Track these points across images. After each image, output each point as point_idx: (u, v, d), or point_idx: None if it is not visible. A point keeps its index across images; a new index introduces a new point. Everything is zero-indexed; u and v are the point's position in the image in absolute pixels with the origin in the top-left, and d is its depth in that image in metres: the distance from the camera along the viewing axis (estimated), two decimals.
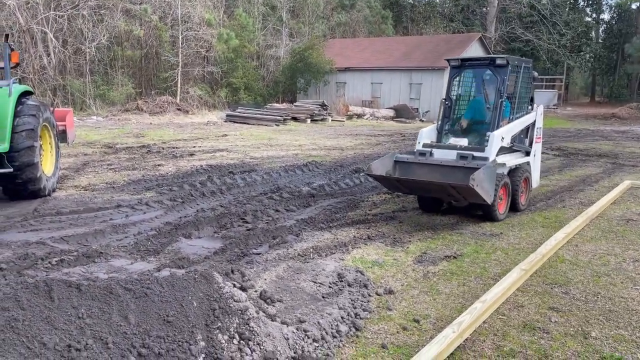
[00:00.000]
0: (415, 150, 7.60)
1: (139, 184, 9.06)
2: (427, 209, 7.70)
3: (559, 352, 3.68)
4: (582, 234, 6.66)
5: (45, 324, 2.86)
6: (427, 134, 7.78)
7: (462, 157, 6.97)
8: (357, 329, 3.97)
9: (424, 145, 7.57)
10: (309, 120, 25.05)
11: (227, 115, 24.87)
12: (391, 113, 29.50)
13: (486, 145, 7.01)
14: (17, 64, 8.09)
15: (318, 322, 3.92)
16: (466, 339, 3.81)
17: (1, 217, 6.52)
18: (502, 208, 7.24)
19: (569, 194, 9.25)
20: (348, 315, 4.17)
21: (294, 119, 24.82)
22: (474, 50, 31.90)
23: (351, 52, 35.55)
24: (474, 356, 3.62)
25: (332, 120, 26.59)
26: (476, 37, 33.46)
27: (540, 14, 44.14)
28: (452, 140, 7.54)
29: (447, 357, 3.55)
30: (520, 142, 7.90)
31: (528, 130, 8.09)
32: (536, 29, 44.89)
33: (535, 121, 8.12)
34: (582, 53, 54.32)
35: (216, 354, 3.21)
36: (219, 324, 3.38)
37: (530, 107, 8.11)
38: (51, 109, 8.66)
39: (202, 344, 3.22)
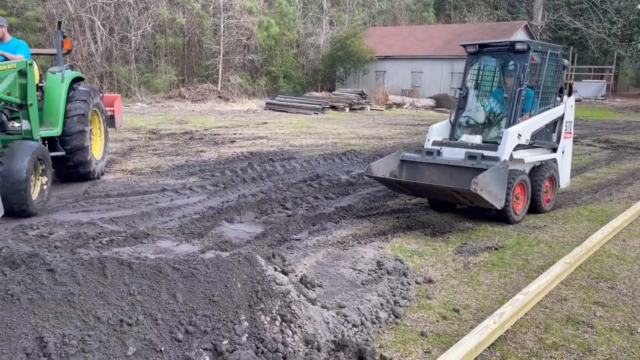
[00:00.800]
0: (422, 149, 7.03)
1: (182, 169, 9.30)
2: (437, 209, 7.11)
3: (604, 347, 3.61)
4: (630, 229, 6.45)
5: (99, 299, 3.00)
6: (438, 130, 7.18)
7: (471, 156, 6.34)
8: (396, 316, 3.99)
9: (434, 143, 6.97)
10: (347, 109, 25.00)
11: (267, 104, 25.09)
12: (431, 102, 29.10)
13: (499, 144, 6.37)
14: (69, 51, 8.32)
15: (358, 308, 3.97)
16: (507, 331, 3.78)
17: (54, 198, 6.83)
18: (518, 209, 6.56)
19: (616, 188, 8.96)
20: (387, 302, 4.20)
21: (333, 107, 24.80)
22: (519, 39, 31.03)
23: (392, 40, 35.15)
24: (515, 347, 3.60)
25: (370, 109, 26.44)
26: (521, 25, 32.52)
27: (590, 1, 42.43)
28: (464, 137, 6.93)
29: (488, 347, 3.53)
30: (547, 138, 7.19)
31: (556, 124, 7.29)
32: (585, 17, 43.20)
33: (564, 114, 7.28)
34: (633, 42, 51.95)
35: (259, 334, 3.30)
36: (262, 305, 3.46)
37: (559, 99, 7.30)
38: (100, 94, 8.92)
39: (246, 324, 3.31)
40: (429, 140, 7.03)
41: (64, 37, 8.04)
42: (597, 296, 4.43)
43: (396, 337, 3.72)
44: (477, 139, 6.74)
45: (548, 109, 7.04)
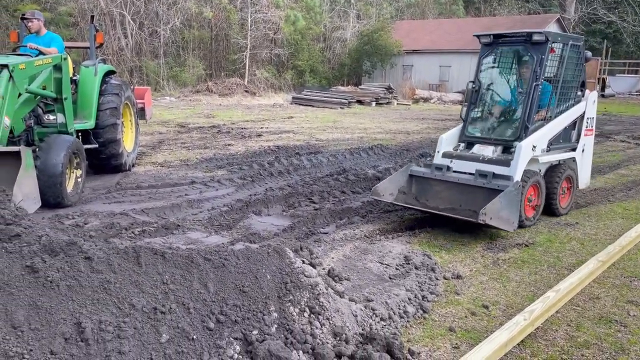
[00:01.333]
0: (431, 163, 6.45)
1: (210, 162, 9.41)
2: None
3: (637, 346, 3.54)
4: None
5: (134, 287, 3.07)
6: (448, 139, 6.62)
7: (481, 175, 5.83)
8: (424, 311, 3.99)
9: (444, 155, 6.45)
10: (374, 104, 24.88)
11: (293, 98, 25.15)
12: (459, 97, 28.73)
13: (511, 159, 5.86)
14: (102, 44, 8.50)
15: (385, 302, 3.98)
16: (537, 328, 3.74)
17: (88, 189, 7.00)
18: (530, 212, 6.14)
19: None
20: (415, 297, 4.20)
21: (359, 102, 24.72)
22: None
23: (419, 34, 34.79)
24: (546, 345, 3.55)
25: (397, 103, 26.27)
26: (554, 18, 31.81)
27: None
28: (476, 149, 6.38)
29: (518, 344, 3.50)
30: (566, 136, 6.72)
31: (576, 122, 6.80)
32: (620, 10, 41.95)
33: (585, 111, 6.78)
34: None
35: (288, 325, 3.33)
36: (291, 297, 3.50)
37: (580, 94, 6.78)
38: (132, 87, 9.05)
39: (275, 314, 3.35)
40: (438, 152, 6.52)
41: (97, 30, 8.22)
42: (630, 295, 4.34)
43: (424, 331, 3.71)
44: (489, 151, 6.23)
45: (568, 106, 6.56)
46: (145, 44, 25.82)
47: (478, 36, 6.67)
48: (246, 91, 25.23)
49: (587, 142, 7.00)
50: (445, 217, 5.82)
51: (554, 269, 4.90)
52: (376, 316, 3.77)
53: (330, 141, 12.77)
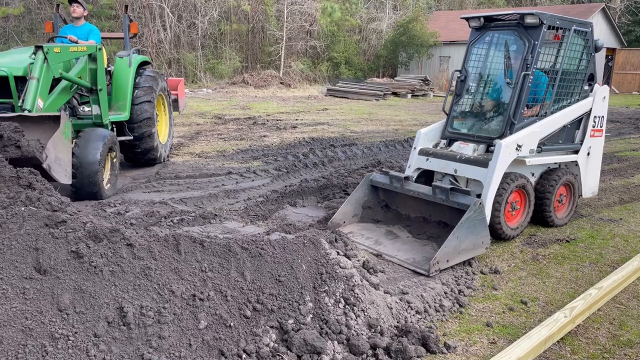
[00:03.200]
0: (388, 172, 5.50)
1: (246, 153, 9.51)
2: None
3: None
4: None
5: (173, 274, 3.14)
6: (428, 135, 5.87)
7: (440, 190, 4.89)
8: (460, 306, 3.94)
9: (421, 152, 5.71)
10: (409, 96, 24.60)
11: (328, 90, 25.10)
12: None
13: (490, 159, 5.06)
14: (136, 35, 8.37)
15: (421, 295, 3.95)
16: (578, 325, 3.65)
17: (128, 179, 7.20)
18: (514, 221, 5.34)
19: None
20: (451, 291, 4.15)
21: (394, 94, 24.48)
22: (595, 23, 29.26)
23: (457, 24, 34.08)
24: (587, 343, 3.46)
25: (433, 95, 25.89)
26: (598, 7, 30.67)
27: None
28: (456, 146, 5.63)
29: (557, 341, 3.43)
30: (569, 136, 5.86)
31: (581, 120, 5.93)
32: None
33: (592, 108, 5.90)
34: None
35: (323, 315, 3.35)
36: (326, 287, 3.51)
37: (589, 89, 5.91)
38: (166, 78, 8.91)
39: (310, 305, 3.37)
40: (414, 148, 5.80)
41: (131, 20, 8.19)
42: None
43: (460, 326, 3.67)
44: (469, 150, 5.48)
45: (571, 101, 5.72)
46: (184, 36, 26.22)
47: (467, 18, 5.87)
48: (281, 83, 25.34)
49: (594, 144, 6.05)
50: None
51: (596, 265, 4.76)
52: (411, 309, 3.75)
53: (365, 133, 12.70)
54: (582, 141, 5.93)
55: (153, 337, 2.83)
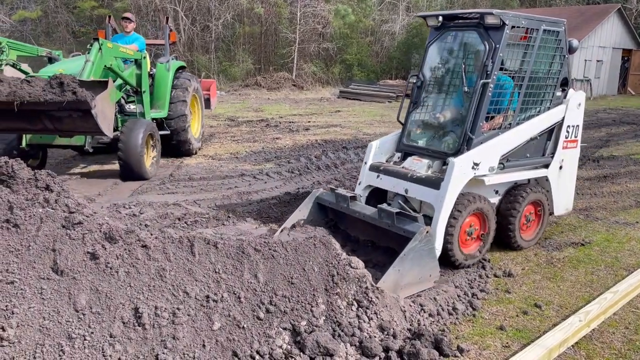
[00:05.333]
0: (334, 190, 5.00)
1: (259, 156, 9.56)
2: None
3: None
4: None
5: (187, 275, 3.17)
6: (382, 148, 5.31)
7: (386, 213, 4.38)
8: (474, 309, 3.92)
9: (371, 168, 5.16)
10: None
11: (340, 92, 25.10)
12: None
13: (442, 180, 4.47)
14: (174, 43, 9.71)
15: (434, 298, 3.94)
16: (593, 330, 3.62)
17: (143, 181, 7.26)
18: (471, 248, 4.72)
19: None
20: (465, 294, 4.14)
21: (407, 95, 24.40)
22: (611, 25, 28.98)
23: None
24: (602, 347, 3.43)
25: None
26: (614, 8, 30.30)
27: None
28: (408, 162, 5.01)
29: (572, 345, 3.40)
30: (537, 149, 5.20)
31: (552, 131, 5.26)
32: None
33: (564, 117, 5.22)
34: None
35: (336, 317, 3.36)
36: (338, 290, 3.52)
37: (561, 95, 5.25)
38: (199, 80, 10.19)
39: (323, 307, 3.38)
40: (365, 163, 5.25)
41: (171, 30, 9.50)
42: None
43: (473, 329, 3.66)
44: (422, 167, 4.86)
45: (540, 110, 5.08)
46: (197, 39, 26.41)
47: (424, 17, 5.23)
48: (294, 85, 25.40)
49: (567, 156, 5.38)
50: None
51: (611, 269, 4.71)
52: (424, 312, 3.75)
53: (378, 135, 12.67)
54: (553, 154, 5.27)
55: (167, 337, 2.87)
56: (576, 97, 5.30)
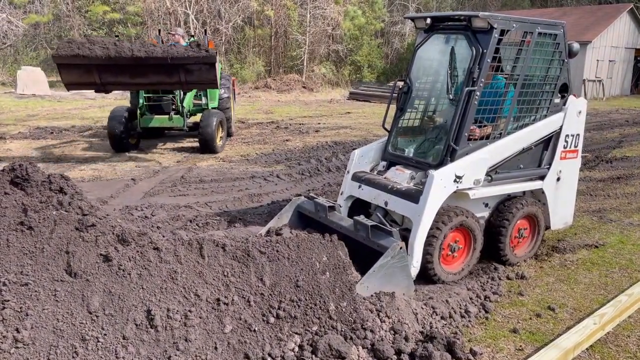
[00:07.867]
0: (316, 201, 4.76)
1: (269, 157, 9.57)
2: None
3: None
4: None
5: (198, 277, 3.18)
6: (365, 156, 5.06)
7: (362, 226, 4.15)
8: (486, 311, 3.89)
9: (354, 177, 4.93)
10: None
11: (350, 93, 25.08)
12: None
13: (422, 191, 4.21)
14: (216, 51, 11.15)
15: (446, 301, 3.91)
16: (608, 333, 3.57)
17: (154, 182, 7.30)
18: (454, 265, 4.48)
19: None
20: (477, 296, 4.11)
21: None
22: (623, 25, 28.68)
23: None
24: (617, 351, 3.39)
25: None
26: (627, 8, 29.98)
27: None
28: (391, 173, 4.78)
29: (586, 349, 3.36)
30: (533, 160, 4.89)
31: (550, 140, 4.93)
32: None
33: (562, 126, 4.90)
34: None
35: (347, 320, 3.34)
36: (347, 292, 3.50)
37: (560, 102, 4.90)
38: (232, 79, 12.36)
39: (333, 309, 3.37)
40: (348, 172, 5.03)
41: (209, 40, 10.86)
42: None
43: (486, 332, 3.63)
44: (404, 178, 4.61)
45: (535, 118, 4.76)
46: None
47: (412, 18, 4.98)
48: (304, 87, 25.42)
49: (565, 167, 5.02)
50: None
51: (626, 271, 4.66)
52: (436, 315, 3.72)
53: None
54: (550, 165, 4.94)
55: (180, 339, 2.87)
56: (576, 105, 4.96)
